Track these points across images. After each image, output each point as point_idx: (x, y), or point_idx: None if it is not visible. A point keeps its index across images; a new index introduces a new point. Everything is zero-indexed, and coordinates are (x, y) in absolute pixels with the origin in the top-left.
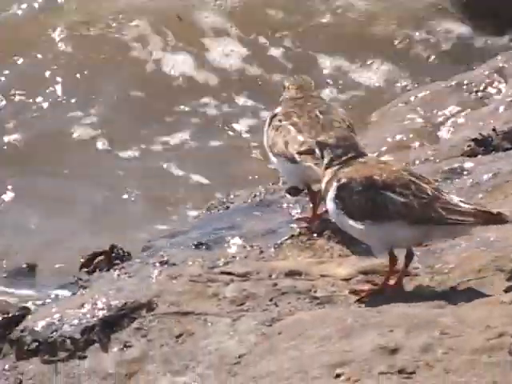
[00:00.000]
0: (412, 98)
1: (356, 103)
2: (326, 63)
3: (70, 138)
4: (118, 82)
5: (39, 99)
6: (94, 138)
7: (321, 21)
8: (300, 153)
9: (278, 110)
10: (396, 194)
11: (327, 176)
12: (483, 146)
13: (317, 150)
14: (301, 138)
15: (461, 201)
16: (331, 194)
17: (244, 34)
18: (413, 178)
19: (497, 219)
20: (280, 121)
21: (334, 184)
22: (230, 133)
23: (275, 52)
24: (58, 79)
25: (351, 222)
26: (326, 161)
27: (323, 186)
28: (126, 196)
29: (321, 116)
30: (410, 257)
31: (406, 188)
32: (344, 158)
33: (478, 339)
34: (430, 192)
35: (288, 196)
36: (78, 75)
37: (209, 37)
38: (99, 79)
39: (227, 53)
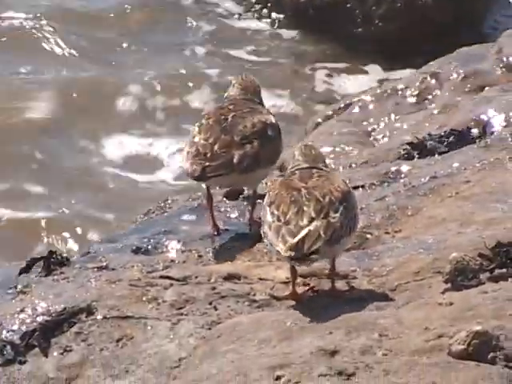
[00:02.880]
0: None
1: None
2: None
3: None
4: None
5: None
6: None
7: None
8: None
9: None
10: (270, 211)
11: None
12: (419, 149)
13: None
14: (196, 139)
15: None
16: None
17: None
18: (292, 199)
19: None
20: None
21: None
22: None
23: None
24: None
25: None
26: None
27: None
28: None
29: (229, 119)
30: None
31: (277, 208)
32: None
33: (417, 341)
34: (286, 218)
35: (225, 200)
36: None
37: None
38: None
39: None
